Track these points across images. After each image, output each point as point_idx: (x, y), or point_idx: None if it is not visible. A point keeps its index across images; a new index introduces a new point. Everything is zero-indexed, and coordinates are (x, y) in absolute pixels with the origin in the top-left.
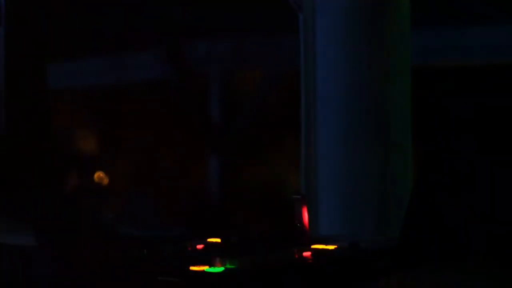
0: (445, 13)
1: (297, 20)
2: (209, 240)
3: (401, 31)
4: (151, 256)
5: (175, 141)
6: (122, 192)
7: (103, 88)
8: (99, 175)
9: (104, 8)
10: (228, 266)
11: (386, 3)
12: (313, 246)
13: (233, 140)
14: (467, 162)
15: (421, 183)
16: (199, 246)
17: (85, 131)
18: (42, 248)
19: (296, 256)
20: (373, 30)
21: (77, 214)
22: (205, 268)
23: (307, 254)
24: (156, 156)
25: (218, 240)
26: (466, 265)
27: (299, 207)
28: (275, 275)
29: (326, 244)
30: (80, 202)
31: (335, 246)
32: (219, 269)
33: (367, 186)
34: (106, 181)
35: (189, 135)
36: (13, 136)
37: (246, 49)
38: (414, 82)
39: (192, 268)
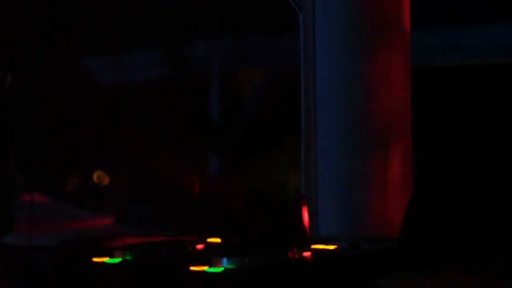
0: (445, 13)
1: (297, 20)
2: (209, 240)
3: (401, 31)
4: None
5: (175, 141)
6: (122, 192)
7: (103, 88)
8: (99, 175)
9: (104, 8)
10: (228, 266)
11: (386, 3)
12: (313, 246)
13: (233, 140)
14: (467, 161)
15: (421, 183)
16: (199, 246)
17: (85, 131)
18: (42, 248)
19: (296, 256)
20: (373, 30)
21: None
22: (205, 268)
23: (307, 254)
24: (156, 156)
25: (218, 240)
26: (466, 265)
27: (299, 207)
28: (275, 275)
29: (326, 244)
30: (80, 202)
31: (335, 246)
32: (219, 269)
33: (367, 186)
34: (106, 181)
35: (189, 134)
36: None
37: (246, 49)
38: (414, 82)
39: (192, 268)
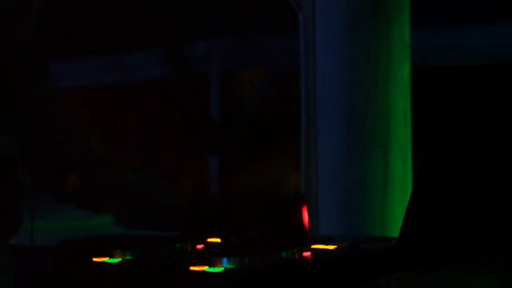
0: (445, 13)
1: (297, 20)
2: (209, 240)
3: (401, 31)
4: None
5: (175, 141)
6: (122, 192)
7: (103, 88)
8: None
9: (104, 8)
10: (228, 266)
11: (386, 3)
12: (313, 246)
13: (233, 140)
14: (467, 162)
15: (421, 183)
16: (199, 246)
17: (85, 131)
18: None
19: (296, 256)
20: (373, 30)
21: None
22: (205, 268)
23: (307, 254)
24: (156, 156)
25: (218, 240)
26: (466, 265)
27: (299, 207)
28: (275, 275)
29: (326, 244)
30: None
31: (335, 246)
32: (219, 269)
33: (367, 186)
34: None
35: (189, 135)
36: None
37: (246, 49)
38: (414, 82)
39: (192, 268)
